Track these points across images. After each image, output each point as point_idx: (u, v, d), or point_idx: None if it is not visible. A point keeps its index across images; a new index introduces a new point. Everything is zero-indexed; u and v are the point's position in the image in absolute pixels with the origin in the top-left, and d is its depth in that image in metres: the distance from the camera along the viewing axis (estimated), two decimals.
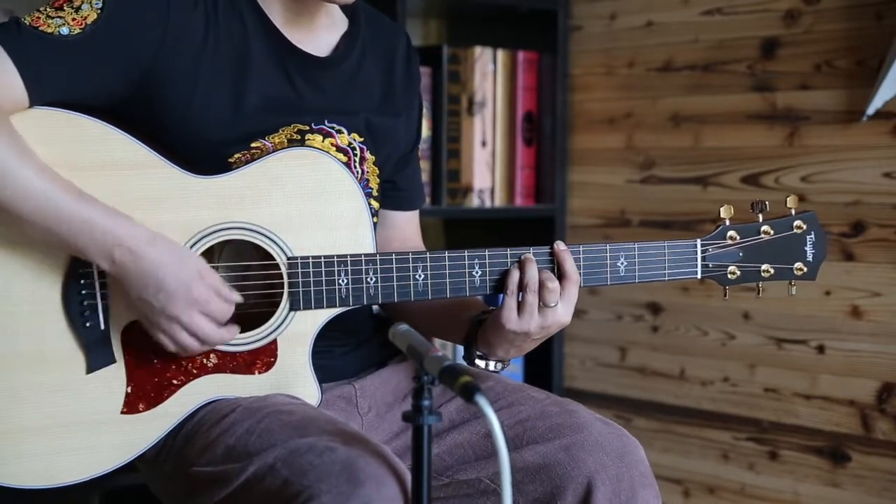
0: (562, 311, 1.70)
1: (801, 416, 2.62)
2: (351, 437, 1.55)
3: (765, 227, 1.79)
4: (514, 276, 1.70)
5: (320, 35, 1.80)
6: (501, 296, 1.71)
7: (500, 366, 1.79)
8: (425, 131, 2.74)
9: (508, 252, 1.72)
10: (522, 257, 1.71)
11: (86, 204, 1.58)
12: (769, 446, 2.68)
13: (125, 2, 1.64)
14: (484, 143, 2.86)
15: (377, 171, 1.85)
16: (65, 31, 1.61)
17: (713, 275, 1.79)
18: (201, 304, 1.60)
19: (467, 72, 2.82)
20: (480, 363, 1.78)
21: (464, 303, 1.83)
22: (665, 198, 2.83)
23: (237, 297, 1.64)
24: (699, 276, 1.79)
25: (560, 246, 1.72)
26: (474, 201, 2.86)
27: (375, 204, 1.86)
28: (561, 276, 1.71)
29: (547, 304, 1.69)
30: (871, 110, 2.44)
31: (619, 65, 2.91)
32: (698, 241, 1.78)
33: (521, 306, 1.69)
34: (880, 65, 2.43)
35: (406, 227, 1.97)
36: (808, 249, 1.81)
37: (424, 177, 2.75)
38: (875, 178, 2.48)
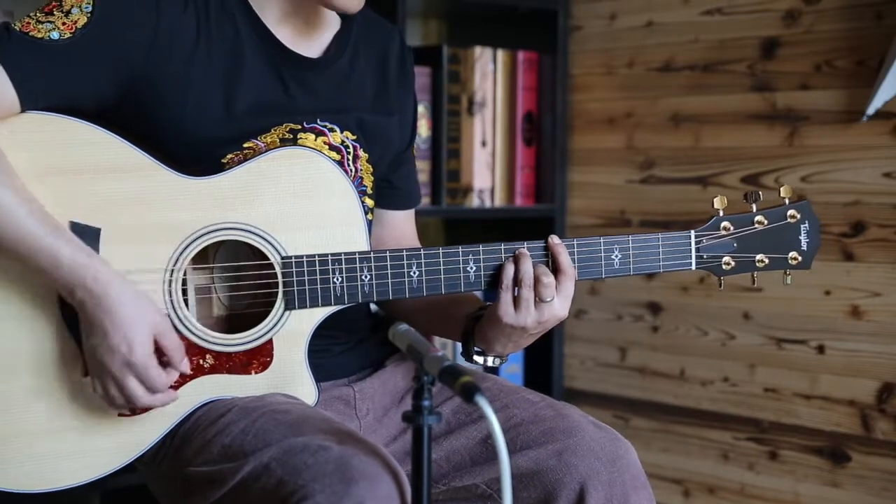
0: (558, 306, 1.70)
1: (801, 416, 2.62)
2: (346, 435, 1.54)
3: (758, 218, 1.79)
4: (509, 270, 1.70)
5: (312, 35, 1.80)
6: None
7: (497, 361, 1.79)
8: (426, 131, 2.75)
9: (503, 247, 1.72)
10: (516, 252, 1.71)
11: (56, 239, 1.56)
12: (769, 446, 2.68)
13: (115, 5, 1.64)
14: (484, 143, 2.86)
15: (371, 169, 1.85)
16: (55, 35, 1.61)
17: (708, 266, 1.79)
18: (138, 369, 1.57)
19: (467, 72, 2.82)
20: (478, 359, 1.78)
21: (460, 299, 1.83)
22: (665, 198, 2.83)
23: (185, 366, 1.62)
24: (693, 266, 1.78)
25: (554, 240, 1.72)
26: (474, 201, 2.86)
27: (370, 202, 1.86)
28: (556, 270, 1.71)
29: (543, 298, 1.69)
30: (871, 110, 2.43)
31: (619, 65, 2.91)
32: (692, 233, 1.78)
33: (516, 301, 1.69)
34: (880, 65, 2.43)
35: (402, 225, 1.97)
36: (803, 238, 1.81)
37: (424, 177, 2.76)
38: (875, 178, 2.48)
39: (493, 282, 1.71)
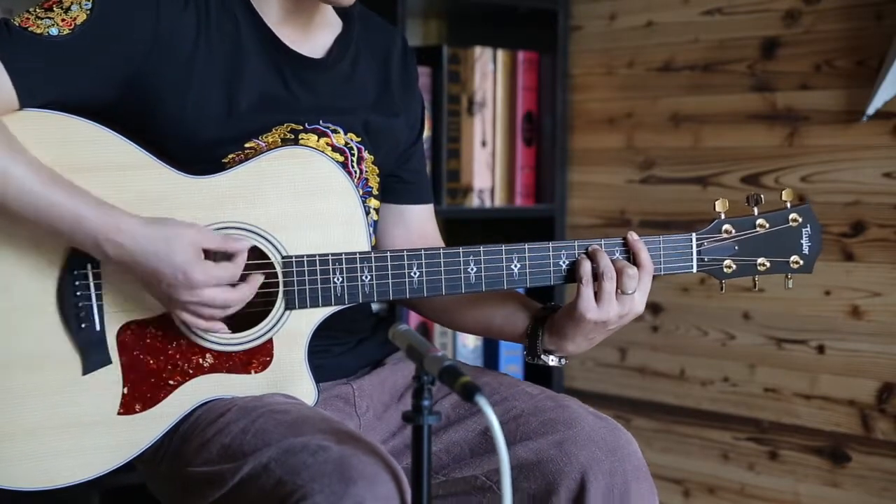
0: (638, 299, 1.71)
1: (801, 416, 2.62)
2: (345, 435, 1.54)
3: (760, 221, 1.79)
4: (586, 265, 1.70)
5: (314, 36, 1.80)
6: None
7: (563, 361, 1.80)
8: (425, 131, 2.74)
9: (503, 248, 1.72)
10: (590, 248, 1.72)
11: (76, 199, 1.57)
12: (769, 446, 2.68)
13: (114, 3, 1.64)
14: (484, 143, 2.87)
15: (377, 171, 1.85)
16: (54, 31, 1.61)
17: (709, 269, 1.79)
18: (205, 282, 1.58)
19: (467, 72, 2.82)
20: (545, 358, 1.78)
21: (507, 297, 1.84)
22: (665, 198, 2.83)
23: (243, 245, 1.62)
24: (694, 269, 1.79)
25: (633, 236, 1.73)
26: (474, 201, 2.86)
27: (375, 203, 1.86)
28: (636, 265, 1.72)
29: (625, 290, 1.69)
30: (871, 110, 2.43)
31: (619, 65, 2.91)
32: (693, 236, 1.78)
33: (598, 295, 1.69)
34: (880, 65, 2.43)
35: (425, 224, 1.96)
36: (804, 242, 1.81)
37: None
38: (875, 178, 2.48)
39: (494, 282, 1.72)
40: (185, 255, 1.58)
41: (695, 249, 1.78)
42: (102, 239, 1.57)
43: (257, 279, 1.64)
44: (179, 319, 1.63)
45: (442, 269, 1.71)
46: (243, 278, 1.63)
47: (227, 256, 1.62)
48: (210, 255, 1.61)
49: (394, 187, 1.92)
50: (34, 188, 1.56)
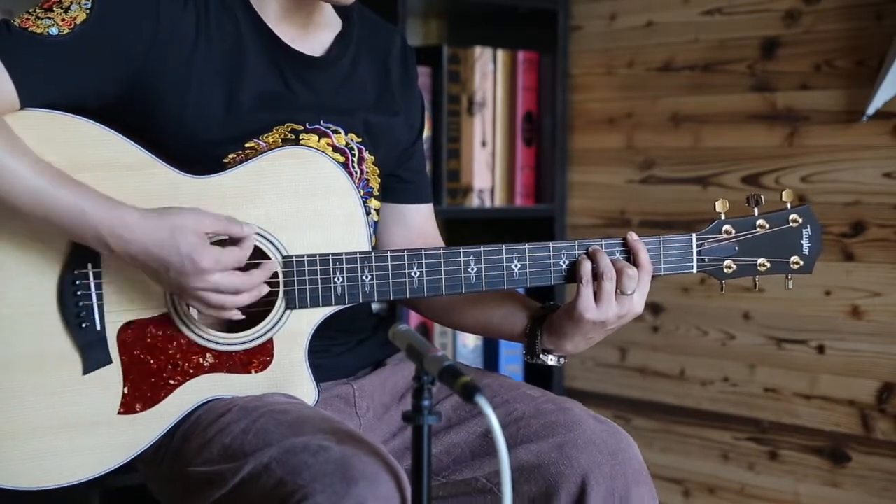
0: (637, 300, 1.72)
1: (801, 416, 2.62)
2: (346, 435, 1.54)
3: (760, 221, 1.79)
4: (586, 265, 1.71)
5: (314, 35, 1.80)
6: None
7: (563, 360, 1.80)
8: (425, 131, 2.74)
9: (504, 248, 1.72)
10: (590, 248, 1.72)
11: (77, 193, 1.57)
12: (769, 446, 2.68)
13: (114, 2, 1.64)
14: (484, 143, 2.87)
15: (377, 171, 1.85)
16: (54, 31, 1.61)
17: (709, 269, 1.79)
18: (213, 266, 1.58)
19: (467, 72, 2.82)
20: (544, 358, 1.78)
21: (507, 297, 1.84)
22: (665, 198, 2.83)
23: (248, 229, 1.61)
24: (694, 270, 1.79)
25: (633, 236, 1.74)
26: (474, 201, 2.86)
27: (376, 203, 1.86)
28: (635, 265, 1.72)
29: (625, 291, 1.70)
30: (871, 110, 2.43)
31: (619, 65, 2.91)
32: (693, 236, 1.78)
33: (597, 295, 1.70)
34: (880, 65, 2.43)
35: (425, 224, 1.96)
36: (804, 243, 1.81)
37: None
38: (875, 178, 2.48)
39: (494, 282, 1.72)
40: (191, 243, 1.57)
41: (695, 250, 1.78)
42: (107, 233, 1.57)
43: (270, 266, 1.63)
44: (196, 305, 1.62)
45: (442, 268, 1.71)
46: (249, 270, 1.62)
47: (234, 243, 1.62)
48: (220, 242, 1.61)
49: (394, 187, 1.92)
50: (38, 184, 1.56)
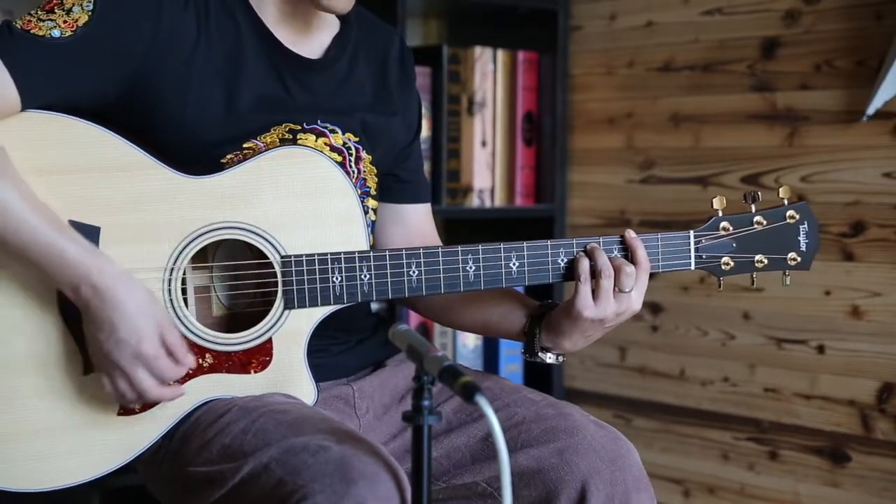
0: (635, 297, 1.71)
1: (801, 416, 2.62)
2: (345, 435, 1.54)
3: (757, 218, 1.79)
4: (584, 263, 1.70)
5: (312, 36, 1.80)
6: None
7: (561, 358, 1.80)
8: (425, 131, 2.74)
9: (502, 246, 1.72)
10: (588, 246, 1.72)
11: (62, 235, 1.57)
12: (769, 446, 2.68)
13: (115, 3, 1.64)
14: (484, 143, 2.86)
15: (374, 171, 1.85)
16: (56, 33, 1.61)
17: (707, 266, 1.79)
18: (148, 360, 1.58)
19: (467, 72, 2.82)
20: (543, 356, 1.78)
21: (505, 295, 1.84)
22: (665, 198, 2.83)
23: (191, 361, 1.63)
24: (692, 267, 1.79)
25: (630, 234, 1.74)
26: (474, 201, 2.86)
27: (374, 203, 1.86)
28: (633, 263, 1.72)
29: (623, 288, 1.70)
30: (871, 110, 2.43)
31: (619, 65, 2.91)
32: (691, 233, 1.78)
33: (595, 293, 1.70)
34: (880, 65, 2.43)
35: (423, 224, 1.97)
36: (802, 239, 1.81)
37: None
38: (875, 178, 2.48)
39: (492, 280, 1.72)
40: (148, 327, 1.58)
41: (693, 247, 1.78)
42: (80, 278, 1.56)
43: (178, 390, 1.64)
44: (102, 374, 1.61)
45: (441, 267, 1.71)
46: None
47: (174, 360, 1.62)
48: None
49: (392, 187, 1.92)
50: (21, 217, 1.55)
